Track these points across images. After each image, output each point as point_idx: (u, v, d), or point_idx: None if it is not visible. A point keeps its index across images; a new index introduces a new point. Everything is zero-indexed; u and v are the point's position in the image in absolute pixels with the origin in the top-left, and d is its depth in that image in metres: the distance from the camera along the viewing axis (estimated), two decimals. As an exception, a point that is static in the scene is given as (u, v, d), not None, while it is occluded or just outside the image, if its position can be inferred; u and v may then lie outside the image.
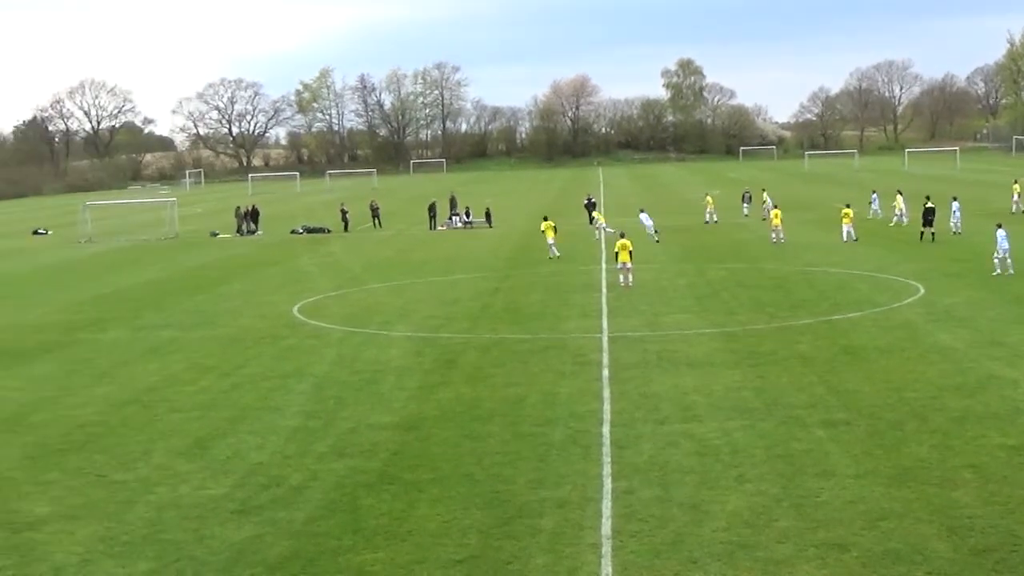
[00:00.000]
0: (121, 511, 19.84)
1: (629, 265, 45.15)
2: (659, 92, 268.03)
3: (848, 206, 61.12)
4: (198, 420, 26.37)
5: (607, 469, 20.98)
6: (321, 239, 78.44)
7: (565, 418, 24.95)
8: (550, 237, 58.35)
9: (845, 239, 58.56)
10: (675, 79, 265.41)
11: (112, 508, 20.04)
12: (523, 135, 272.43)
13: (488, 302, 43.47)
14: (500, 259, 58.87)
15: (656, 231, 65.51)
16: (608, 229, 67.06)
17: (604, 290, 44.51)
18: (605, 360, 31.10)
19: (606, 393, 27.18)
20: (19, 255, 78.31)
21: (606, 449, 22.35)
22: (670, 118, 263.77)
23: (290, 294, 48.00)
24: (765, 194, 79.94)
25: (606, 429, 23.86)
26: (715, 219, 75.60)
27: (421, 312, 41.45)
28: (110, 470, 22.52)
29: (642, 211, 69.56)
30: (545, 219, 60.42)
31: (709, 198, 79.41)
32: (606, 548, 17.12)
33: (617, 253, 45.59)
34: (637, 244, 53.47)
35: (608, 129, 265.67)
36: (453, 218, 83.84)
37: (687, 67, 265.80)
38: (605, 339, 34.37)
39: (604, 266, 51.74)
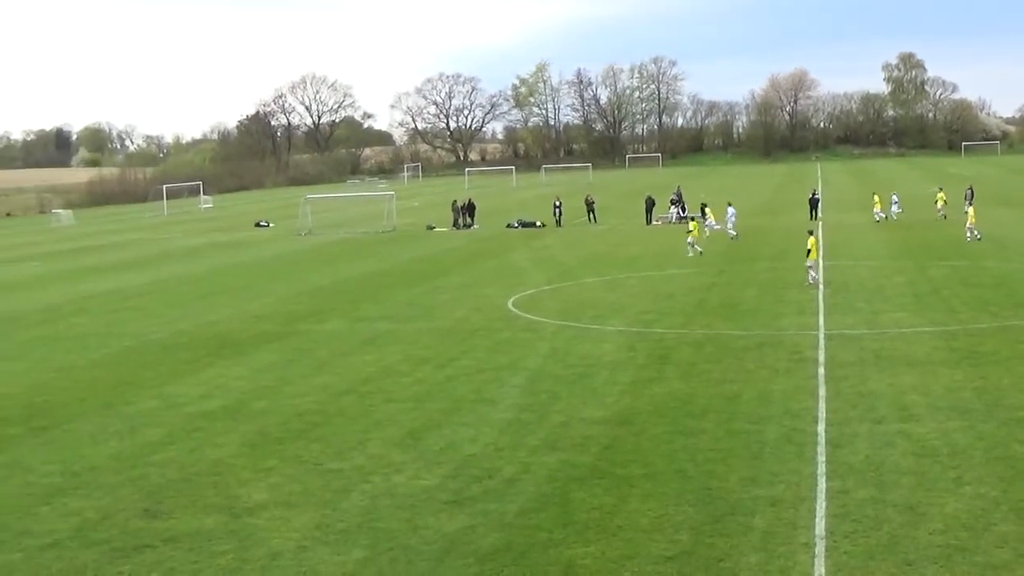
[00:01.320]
0: (336, 499, 20.20)
1: (817, 262, 44.63)
2: (879, 86, 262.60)
3: None
4: (413, 411, 26.71)
5: (821, 468, 20.60)
6: (536, 233, 78.86)
7: (779, 416, 24.59)
8: (692, 236, 58.20)
9: None
10: (896, 73, 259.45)
11: (328, 496, 20.42)
12: (740, 129, 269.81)
13: (703, 297, 43.10)
14: (715, 254, 58.28)
15: (723, 227, 67.96)
16: (716, 227, 67.89)
17: (821, 287, 43.67)
18: (821, 358, 30.56)
19: (822, 391, 26.71)
20: (242, 247, 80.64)
21: (821, 448, 21.95)
22: (890, 112, 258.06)
23: (505, 288, 48.35)
24: (941, 193, 77.77)
25: (821, 427, 23.44)
26: (883, 216, 73.67)
27: (635, 307, 41.31)
28: (326, 459, 22.96)
29: (730, 205, 69.90)
30: (692, 219, 60.27)
31: (876, 197, 77.59)
32: (819, 548, 16.80)
33: (809, 250, 44.95)
34: (847, 241, 52.54)
35: (826, 124, 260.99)
36: (671, 210, 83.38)
37: (908, 61, 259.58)
38: (822, 336, 33.76)
39: (821, 263, 50.89)
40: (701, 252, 56.96)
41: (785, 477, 20.17)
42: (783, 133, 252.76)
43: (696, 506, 18.85)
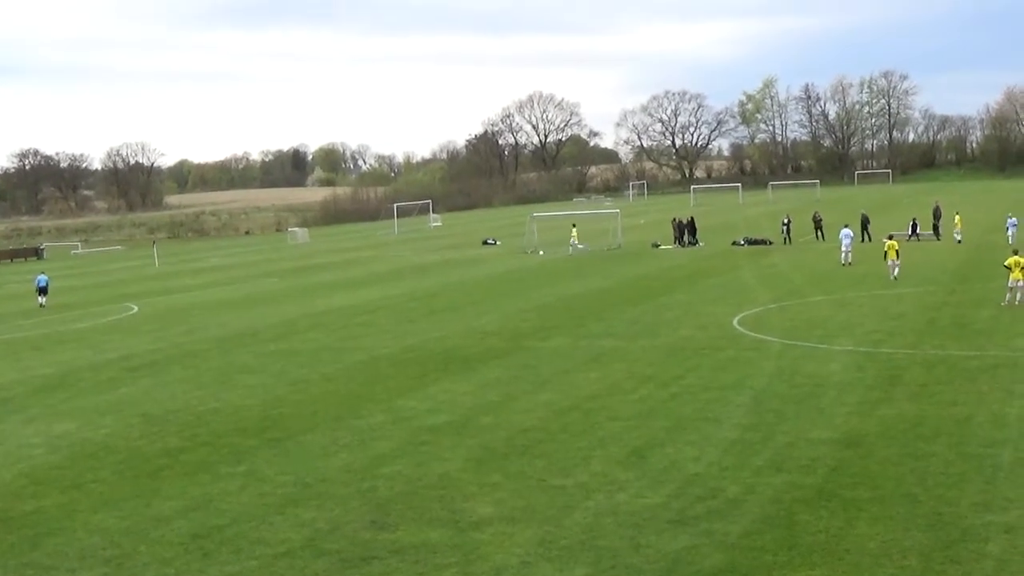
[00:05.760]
0: (560, 516, 20.28)
1: (1020, 283, 42.94)
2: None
3: None
4: (636, 429, 26.67)
5: (1060, 495, 19.88)
6: (762, 251, 78.09)
7: (1015, 439, 23.80)
8: (891, 258, 55.05)
9: None
10: None
11: (551, 513, 20.50)
12: (974, 144, 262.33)
13: (934, 317, 42.04)
14: (947, 272, 56.86)
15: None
16: (580, 245, 67.50)
17: (1061, 306, 42.23)
18: (1060, 380, 29.51)
19: (1060, 415, 25.79)
20: (470, 264, 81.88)
21: (1059, 474, 21.19)
22: None
23: (730, 306, 47.97)
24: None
25: (1060, 453, 22.63)
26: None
27: (863, 326, 40.53)
28: (550, 475, 23.08)
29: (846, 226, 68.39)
30: (890, 237, 58.09)
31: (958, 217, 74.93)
32: (1057, 579, 16.24)
33: (1009, 268, 43.35)
34: None
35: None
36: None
37: None
38: (1061, 358, 32.63)
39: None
40: (896, 279, 54.41)
41: (1020, 503, 19.51)
42: (1019, 148, 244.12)
43: (926, 531, 18.38)
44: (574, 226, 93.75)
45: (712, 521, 19.43)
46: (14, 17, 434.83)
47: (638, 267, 70.73)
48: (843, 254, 64.19)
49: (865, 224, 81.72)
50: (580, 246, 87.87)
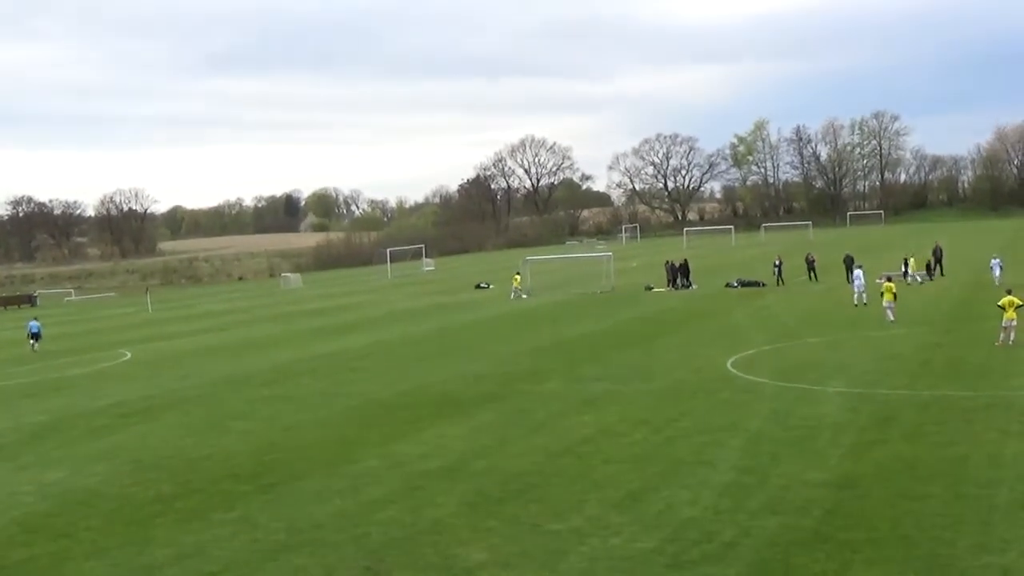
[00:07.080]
0: (554, 561, 20.12)
1: (1014, 322, 42.91)
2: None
3: None
4: (631, 473, 26.54)
5: (1057, 536, 19.77)
6: (755, 292, 78.11)
7: (1011, 480, 23.70)
8: (887, 300, 54.71)
9: None
10: None
11: (545, 558, 20.33)
12: (965, 184, 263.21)
13: (928, 357, 41.98)
14: (942, 313, 56.85)
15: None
16: (523, 295, 68.15)
17: (1051, 346, 42.21)
18: (1055, 420, 29.41)
19: (1056, 455, 25.69)
20: (463, 308, 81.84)
21: (1056, 515, 21.08)
22: None
23: (724, 348, 47.91)
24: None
25: (1056, 493, 22.53)
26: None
27: (858, 367, 40.47)
28: (544, 520, 22.92)
29: (859, 267, 68.77)
30: (889, 279, 57.95)
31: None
32: (1055, 621, 16.12)
33: (1003, 308, 43.35)
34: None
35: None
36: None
37: None
38: (1055, 398, 32.55)
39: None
40: (893, 320, 54.11)
41: (1017, 544, 19.40)
42: (1011, 187, 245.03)
43: (922, 573, 18.26)
44: (518, 274, 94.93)
45: (708, 565, 19.30)
46: (8, 64, 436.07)
47: (631, 310, 70.70)
48: (856, 295, 64.10)
49: (849, 265, 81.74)
50: (523, 295, 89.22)
